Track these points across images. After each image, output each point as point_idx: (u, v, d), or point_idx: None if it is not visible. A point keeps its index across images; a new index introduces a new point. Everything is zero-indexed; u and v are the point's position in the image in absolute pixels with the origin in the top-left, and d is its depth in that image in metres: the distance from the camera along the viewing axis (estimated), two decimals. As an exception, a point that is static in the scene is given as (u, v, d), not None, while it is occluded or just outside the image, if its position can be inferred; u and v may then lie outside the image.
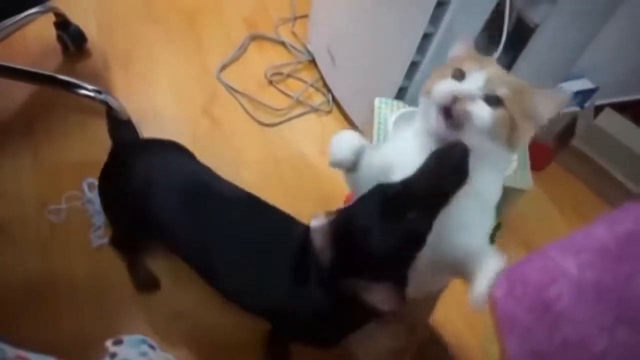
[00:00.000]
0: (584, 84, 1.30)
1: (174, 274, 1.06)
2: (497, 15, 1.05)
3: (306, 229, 0.74)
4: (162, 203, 0.81)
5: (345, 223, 0.67)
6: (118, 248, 1.00)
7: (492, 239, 0.93)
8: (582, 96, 1.32)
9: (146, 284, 1.03)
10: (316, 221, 0.68)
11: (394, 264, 0.64)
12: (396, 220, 0.63)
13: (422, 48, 1.08)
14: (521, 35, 1.08)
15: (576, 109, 1.35)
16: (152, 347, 0.55)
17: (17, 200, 1.11)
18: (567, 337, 0.39)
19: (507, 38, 1.07)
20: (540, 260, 0.44)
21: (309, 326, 0.79)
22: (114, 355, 0.52)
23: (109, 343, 0.54)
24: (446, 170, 0.62)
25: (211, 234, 0.80)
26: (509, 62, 1.15)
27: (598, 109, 1.38)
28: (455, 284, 0.81)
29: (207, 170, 0.90)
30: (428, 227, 0.63)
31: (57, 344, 0.94)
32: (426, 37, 1.06)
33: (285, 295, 0.75)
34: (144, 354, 0.53)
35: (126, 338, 0.54)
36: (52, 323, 0.97)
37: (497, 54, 1.09)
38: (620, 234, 0.39)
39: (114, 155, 0.91)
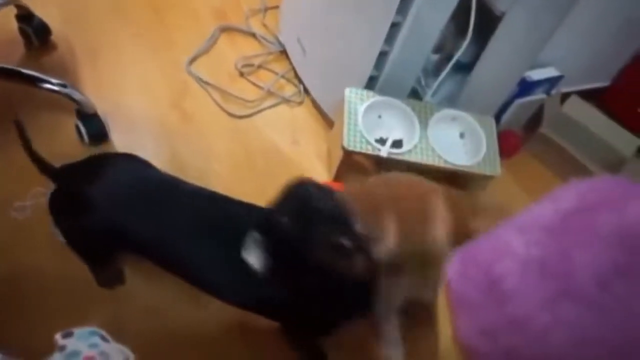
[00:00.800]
0: (550, 72, 1.32)
1: (146, 271, 1.05)
2: (463, 3, 1.06)
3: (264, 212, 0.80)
4: (138, 216, 0.82)
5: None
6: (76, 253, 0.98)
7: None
8: (549, 84, 1.34)
9: (110, 280, 1.02)
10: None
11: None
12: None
13: (390, 37, 1.08)
14: (487, 24, 1.09)
15: (543, 96, 1.37)
16: (104, 338, 0.54)
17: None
18: (514, 313, 0.40)
19: (476, 27, 1.08)
20: (491, 241, 0.45)
21: (294, 309, 0.81)
22: (63, 347, 0.52)
23: (58, 336, 0.53)
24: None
25: (183, 236, 0.82)
26: (476, 51, 1.16)
27: (564, 97, 1.41)
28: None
29: (162, 173, 0.90)
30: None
31: (28, 344, 0.92)
32: (394, 27, 1.06)
33: (259, 281, 0.77)
34: (94, 346, 0.52)
35: (77, 330, 0.54)
36: (22, 324, 0.95)
37: (466, 42, 1.11)
38: (564, 211, 0.41)
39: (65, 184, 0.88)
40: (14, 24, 1.32)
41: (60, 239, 1.04)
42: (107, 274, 1.02)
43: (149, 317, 1.01)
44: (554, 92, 1.38)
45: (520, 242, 0.42)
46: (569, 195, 0.42)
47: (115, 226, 0.81)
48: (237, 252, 0.77)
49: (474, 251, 0.46)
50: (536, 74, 1.29)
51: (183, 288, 1.03)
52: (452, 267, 0.45)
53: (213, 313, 1.03)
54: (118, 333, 0.96)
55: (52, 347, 0.87)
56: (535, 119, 1.40)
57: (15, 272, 1.01)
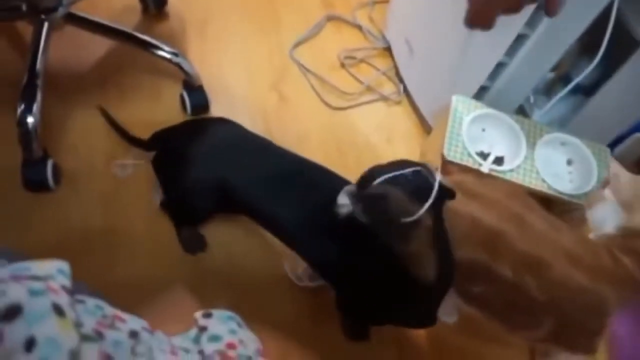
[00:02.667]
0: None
1: (227, 242, 1.07)
2: (599, 22, 0.98)
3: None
4: (239, 170, 0.86)
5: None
6: (171, 213, 1.02)
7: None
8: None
9: (193, 245, 1.04)
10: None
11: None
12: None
13: (512, 49, 1.02)
14: (623, 48, 1.01)
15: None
16: (239, 324, 0.55)
17: (86, 152, 1.14)
18: None
19: (605, 49, 1.00)
20: None
21: (369, 279, 0.82)
22: (203, 328, 0.52)
23: (198, 315, 0.54)
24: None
25: (279, 190, 0.86)
26: (603, 74, 1.08)
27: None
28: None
29: (255, 134, 0.95)
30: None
31: (107, 291, 0.96)
32: (519, 39, 1.00)
33: (341, 244, 0.81)
34: (233, 332, 0.52)
35: (215, 312, 0.54)
36: (106, 271, 1.00)
37: (593, 65, 1.03)
38: None
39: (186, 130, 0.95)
40: (134, -10, 1.38)
41: (157, 201, 1.08)
42: (192, 238, 1.05)
43: (226, 287, 1.03)
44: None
45: None
46: None
47: (216, 178, 0.85)
48: (318, 213, 0.82)
49: None
50: (663, 108, 1.19)
51: (263, 261, 1.06)
52: (624, 323, 0.40)
53: (290, 296, 1.04)
54: (195, 298, 1.00)
55: (128, 307, 0.91)
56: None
57: (109, 227, 1.06)
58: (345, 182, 0.87)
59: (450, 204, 0.78)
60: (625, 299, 0.65)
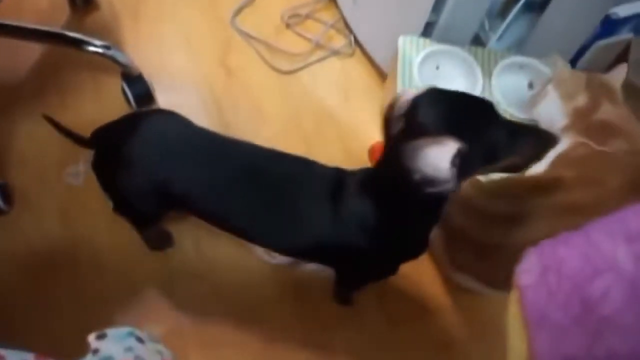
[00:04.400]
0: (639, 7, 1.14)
1: (195, 235, 1.04)
2: None
3: (337, 169, 0.79)
4: (183, 169, 0.78)
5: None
6: (125, 217, 0.97)
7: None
8: (638, 21, 1.16)
9: (159, 242, 1.01)
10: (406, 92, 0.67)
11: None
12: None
13: (450, -24, 0.96)
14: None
15: (630, 36, 1.19)
16: (140, 339, 0.51)
17: (35, 164, 1.09)
18: (615, 348, 0.30)
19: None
20: (581, 244, 0.35)
21: (361, 252, 0.77)
22: (96, 351, 0.49)
23: (91, 338, 0.50)
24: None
25: (243, 190, 0.78)
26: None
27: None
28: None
29: (199, 127, 0.85)
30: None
31: (79, 305, 0.95)
32: (454, -37, 0.93)
33: (331, 226, 0.74)
34: (129, 350, 0.49)
35: (111, 331, 0.51)
36: (75, 286, 0.97)
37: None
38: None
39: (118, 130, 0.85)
40: (57, -15, 1.30)
41: (110, 204, 1.05)
42: (156, 236, 1.02)
43: (199, 281, 1.00)
44: (643, 30, 1.20)
45: (626, 254, 0.32)
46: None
47: (156, 181, 0.78)
48: (298, 199, 0.76)
49: (556, 254, 0.36)
50: (623, 10, 1.11)
51: (233, 251, 1.02)
52: (528, 273, 0.36)
53: (268, 277, 1.02)
54: (169, 296, 0.98)
55: (103, 318, 0.89)
56: (619, 63, 1.23)
57: (69, 237, 1.03)
58: (316, 165, 0.80)
59: None
60: None
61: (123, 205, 0.87)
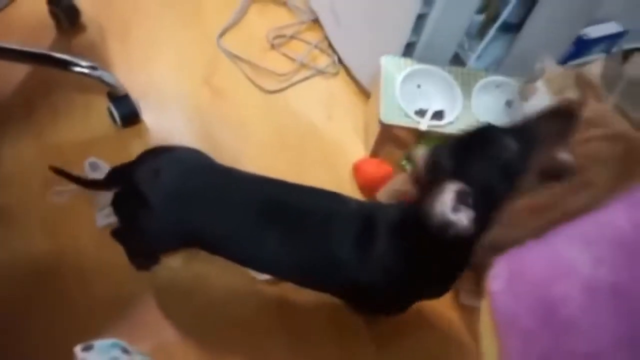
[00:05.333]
0: (610, 28, 1.19)
1: (184, 251, 1.05)
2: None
3: (366, 205, 0.80)
4: (210, 212, 0.77)
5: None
6: (125, 247, 0.97)
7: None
8: (609, 41, 1.21)
9: (145, 263, 1.01)
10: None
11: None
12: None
13: (428, -1, 0.99)
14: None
15: (602, 56, 1.24)
16: (125, 350, 0.52)
17: (21, 183, 1.09)
18: (576, 349, 0.32)
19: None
20: (544, 251, 0.37)
21: (384, 292, 0.77)
22: None
23: (77, 349, 0.51)
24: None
25: (267, 231, 0.77)
26: (526, 9, 1.05)
27: (626, 55, 1.27)
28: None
29: (233, 168, 0.84)
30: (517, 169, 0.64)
31: (66, 322, 0.94)
32: (433, -13, 0.97)
33: (357, 268, 0.74)
34: None
35: (97, 343, 0.52)
36: (61, 301, 0.97)
37: (513, 1, 1.00)
38: (642, 221, 0.33)
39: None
40: (44, 7, 1.31)
41: (101, 224, 1.05)
42: (144, 259, 1.02)
43: (186, 297, 1.01)
44: (614, 50, 1.25)
45: (584, 259, 0.34)
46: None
47: (182, 224, 0.78)
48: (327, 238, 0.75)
49: (524, 263, 0.38)
50: (594, 31, 1.17)
51: (221, 266, 1.03)
52: (497, 279, 0.38)
53: (253, 292, 1.02)
54: (155, 312, 0.98)
55: (88, 333, 0.88)
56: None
57: (55, 255, 1.03)
58: (329, 194, 0.81)
59: None
60: None
61: (139, 242, 0.87)
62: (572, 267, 0.35)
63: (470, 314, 1.03)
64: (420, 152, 0.71)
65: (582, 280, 0.34)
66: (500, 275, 0.39)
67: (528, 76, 1.04)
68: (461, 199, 0.61)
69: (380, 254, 0.73)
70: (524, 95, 1.01)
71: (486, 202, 0.63)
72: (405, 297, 0.80)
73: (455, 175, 0.63)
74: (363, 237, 0.74)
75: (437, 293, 0.80)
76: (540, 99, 0.97)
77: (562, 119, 0.68)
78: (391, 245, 0.72)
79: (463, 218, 0.60)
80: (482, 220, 0.62)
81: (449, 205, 0.61)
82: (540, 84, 0.98)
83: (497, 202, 0.65)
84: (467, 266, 0.73)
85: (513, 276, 0.37)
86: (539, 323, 0.35)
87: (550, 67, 0.98)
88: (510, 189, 0.65)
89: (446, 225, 0.61)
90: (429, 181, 0.67)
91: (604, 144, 0.86)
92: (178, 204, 0.77)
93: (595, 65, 0.99)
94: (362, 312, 0.99)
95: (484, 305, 0.40)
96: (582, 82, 0.95)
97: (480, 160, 0.65)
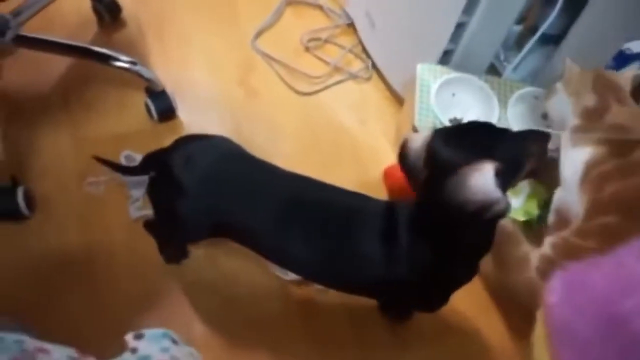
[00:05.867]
0: (652, 43, 1.17)
1: (211, 247, 1.06)
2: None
3: (386, 202, 0.79)
4: (242, 201, 0.79)
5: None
6: (157, 237, 0.98)
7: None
8: (650, 57, 1.19)
9: (175, 255, 1.02)
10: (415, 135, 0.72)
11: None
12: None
13: (469, 7, 0.99)
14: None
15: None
16: (174, 341, 0.53)
17: (57, 174, 1.12)
18: None
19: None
20: (611, 265, 0.37)
21: (414, 288, 0.78)
22: (134, 350, 0.51)
23: (129, 337, 0.52)
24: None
25: (293, 225, 0.78)
26: (565, 21, 1.04)
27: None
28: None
29: (263, 160, 0.85)
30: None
31: (96, 312, 0.96)
32: (474, -4, 0.97)
33: (382, 264, 0.75)
34: (165, 350, 0.51)
35: (147, 332, 0.53)
36: (91, 293, 0.99)
37: (554, 12, 1.00)
38: None
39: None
40: (87, 3, 1.34)
41: (134, 216, 1.07)
42: (174, 251, 1.03)
43: (211, 293, 1.02)
44: (655, 65, 1.22)
45: None
46: None
47: (216, 212, 0.79)
48: (352, 237, 0.76)
49: (586, 277, 0.37)
50: (636, 46, 1.15)
51: (246, 264, 1.04)
52: (554, 290, 0.38)
53: (278, 292, 1.03)
54: (182, 307, 0.99)
55: (117, 326, 0.90)
56: (633, 96, 1.25)
57: (88, 245, 1.05)
58: (353, 193, 0.81)
59: None
60: None
61: (172, 230, 0.88)
62: (643, 281, 0.34)
63: (495, 319, 1.02)
64: (413, 141, 0.72)
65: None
66: (558, 288, 0.38)
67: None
68: (498, 178, 0.61)
69: (405, 251, 0.74)
70: (547, 96, 1.01)
71: (504, 184, 0.64)
72: (438, 287, 0.80)
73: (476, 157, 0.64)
74: (387, 233, 0.75)
75: (469, 276, 0.79)
76: (560, 101, 0.97)
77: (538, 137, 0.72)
78: (414, 238, 0.73)
79: (503, 197, 0.61)
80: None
81: (491, 184, 0.60)
82: (559, 85, 0.98)
83: (508, 186, 0.67)
84: (491, 244, 0.74)
85: (573, 289, 0.37)
86: (602, 336, 0.34)
87: (570, 67, 0.97)
88: (515, 175, 0.69)
89: (489, 204, 0.61)
90: (434, 174, 0.68)
91: None
92: (211, 189, 0.78)
93: (628, 71, 0.98)
94: (396, 314, 0.99)
95: (539, 317, 0.40)
96: (603, 84, 0.94)
97: (492, 144, 0.67)
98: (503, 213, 0.63)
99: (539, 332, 0.39)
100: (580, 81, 0.95)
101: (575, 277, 0.38)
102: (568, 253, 0.83)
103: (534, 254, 0.89)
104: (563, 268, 0.40)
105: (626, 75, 0.97)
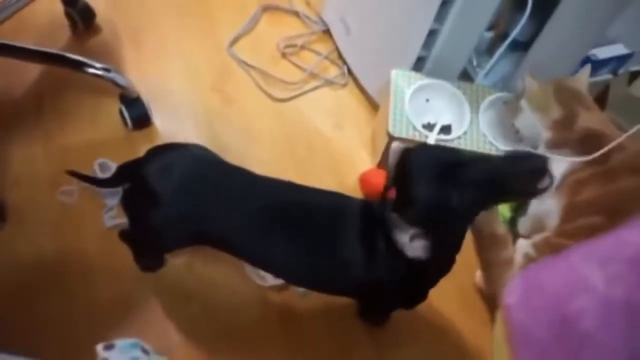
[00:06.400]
0: (617, 50, 1.21)
1: (188, 254, 1.05)
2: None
3: (363, 202, 0.81)
4: (219, 209, 0.78)
5: (406, 163, 0.72)
6: (133, 247, 0.98)
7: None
8: (616, 63, 1.23)
9: (151, 264, 1.02)
10: (397, 144, 0.75)
11: (430, 218, 0.69)
12: (446, 184, 0.68)
13: (441, 15, 1.01)
14: (549, -2, 1.00)
15: (609, 77, 1.26)
16: (145, 351, 0.53)
17: (29, 183, 1.10)
18: None
19: (535, 1, 0.99)
20: (562, 268, 0.38)
21: (394, 287, 0.79)
22: None
23: (99, 348, 0.52)
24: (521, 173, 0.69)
25: (273, 229, 0.79)
26: (535, 28, 1.07)
27: (633, 77, 1.28)
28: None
29: (240, 167, 0.85)
30: (467, 209, 0.69)
31: (69, 322, 0.95)
32: (445, 4, 0.98)
33: (362, 265, 0.76)
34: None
35: (118, 342, 0.52)
36: (65, 302, 0.97)
37: (524, 18, 1.02)
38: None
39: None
40: (59, 8, 1.33)
41: (108, 225, 1.06)
42: (150, 259, 1.02)
43: (189, 300, 1.01)
44: (621, 71, 1.26)
45: (599, 276, 0.35)
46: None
47: (192, 221, 0.79)
48: (332, 239, 0.77)
49: (539, 276, 0.39)
50: (602, 52, 1.18)
51: (224, 270, 1.04)
52: (512, 291, 0.39)
53: (256, 298, 1.03)
54: (158, 315, 0.98)
55: (91, 335, 0.89)
56: (599, 102, 1.29)
57: (61, 254, 1.03)
58: (334, 194, 0.83)
59: None
60: None
61: (148, 240, 0.87)
62: (587, 284, 0.35)
63: (469, 321, 1.04)
64: (393, 147, 0.75)
65: (596, 297, 0.35)
66: (516, 289, 0.39)
67: (512, 95, 1.07)
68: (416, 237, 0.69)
69: (382, 251, 0.75)
70: (513, 114, 1.04)
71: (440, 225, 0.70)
72: (417, 286, 0.82)
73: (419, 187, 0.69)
74: (365, 234, 0.76)
75: (445, 271, 0.81)
76: (528, 118, 1.00)
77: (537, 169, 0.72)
78: (390, 242, 0.74)
79: (419, 247, 0.69)
80: (439, 244, 0.69)
81: (407, 242, 0.69)
82: (523, 103, 1.00)
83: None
84: (461, 245, 0.77)
85: (529, 290, 0.38)
86: (554, 337, 0.35)
87: (529, 83, 1.00)
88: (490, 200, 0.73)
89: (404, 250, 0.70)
90: (398, 185, 0.72)
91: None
92: (187, 198, 0.78)
93: (581, 75, 1.00)
94: (372, 316, 1.00)
95: (499, 318, 0.41)
96: (565, 94, 0.97)
97: (459, 174, 0.69)
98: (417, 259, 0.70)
99: (499, 332, 0.41)
100: (542, 95, 0.97)
101: (532, 279, 0.40)
102: (551, 252, 0.85)
103: (518, 254, 0.91)
104: (522, 270, 0.42)
105: (581, 79, 1.00)
